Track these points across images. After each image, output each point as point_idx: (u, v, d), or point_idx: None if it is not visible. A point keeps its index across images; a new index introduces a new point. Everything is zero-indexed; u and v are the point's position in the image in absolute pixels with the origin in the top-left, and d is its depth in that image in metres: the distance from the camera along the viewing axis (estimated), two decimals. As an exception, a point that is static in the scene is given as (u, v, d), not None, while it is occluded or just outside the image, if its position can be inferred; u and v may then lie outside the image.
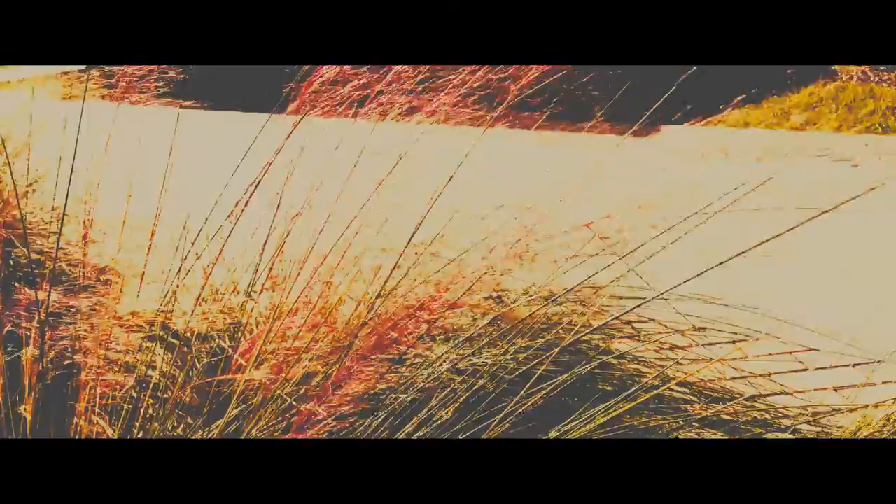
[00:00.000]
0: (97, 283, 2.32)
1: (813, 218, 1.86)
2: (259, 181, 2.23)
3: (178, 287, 2.34)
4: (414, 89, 2.25)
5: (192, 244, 2.35)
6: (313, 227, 2.17)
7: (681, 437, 2.13)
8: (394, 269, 2.13)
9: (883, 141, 6.32)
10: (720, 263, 1.93)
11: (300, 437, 1.81)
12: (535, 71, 2.14)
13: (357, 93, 2.17)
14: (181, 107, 2.49)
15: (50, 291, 2.03)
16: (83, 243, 2.36)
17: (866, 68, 7.57)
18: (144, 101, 2.55)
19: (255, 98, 4.81)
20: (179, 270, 2.32)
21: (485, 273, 2.19)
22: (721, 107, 3.65)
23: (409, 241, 2.09)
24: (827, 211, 1.89)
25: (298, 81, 2.25)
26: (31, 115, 2.77)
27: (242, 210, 2.22)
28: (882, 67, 7.49)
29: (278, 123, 2.31)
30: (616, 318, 2.35)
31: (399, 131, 2.26)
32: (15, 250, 2.66)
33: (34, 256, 2.77)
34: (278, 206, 2.22)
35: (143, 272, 2.31)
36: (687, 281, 2.01)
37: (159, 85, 2.46)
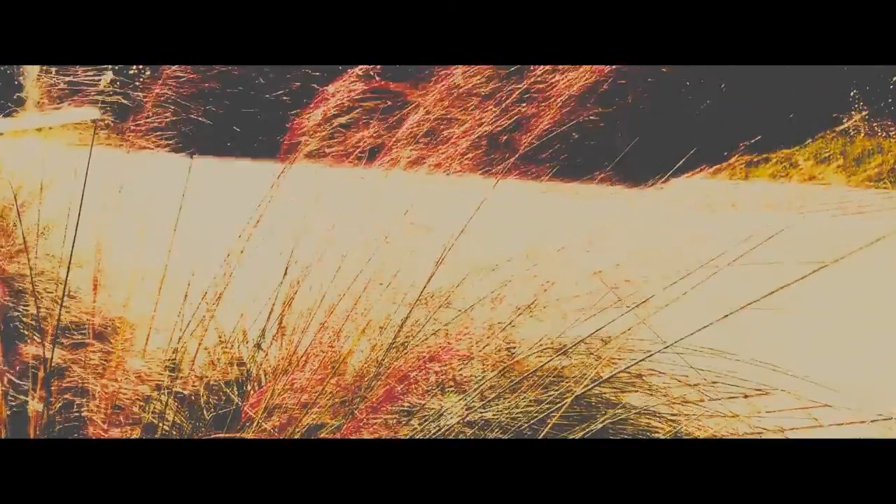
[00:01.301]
0: (105, 333, 2.31)
1: (816, 271, 1.85)
2: (259, 220, 2.23)
3: (186, 336, 2.34)
4: (421, 139, 2.27)
5: (203, 296, 2.35)
6: (323, 278, 2.17)
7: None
8: (405, 320, 2.12)
9: (892, 194, 6.33)
10: (724, 316, 1.92)
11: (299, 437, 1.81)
12: (546, 122, 2.15)
13: (368, 141, 2.19)
14: (192, 156, 2.51)
15: (54, 346, 2.02)
16: (93, 292, 2.36)
17: (874, 123, 7.61)
18: (154, 147, 2.58)
19: (263, 146, 4.85)
20: (187, 320, 2.32)
21: (495, 324, 2.18)
22: (726, 153, 3.65)
23: (421, 293, 2.08)
24: (826, 265, 1.88)
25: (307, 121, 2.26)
26: (43, 163, 2.80)
27: (244, 247, 2.22)
28: (889, 122, 7.53)
29: (288, 171, 2.32)
30: (625, 369, 2.33)
31: (408, 181, 2.27)
32: (20, 303, 2.66)
33: (42, 304, 2.76)
34: (290, 256, 2.22)
35: (152, 321, 2.31)
36: (694, 332, 2.00)
37: (171, 133, 2.48)
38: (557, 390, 2.22)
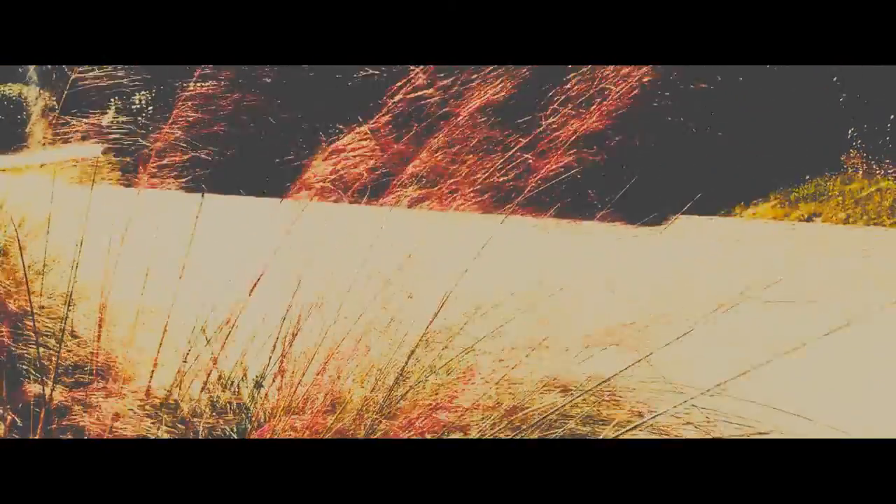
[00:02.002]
0: (106, 369, 2.30)
1: (840, 328, 1.85)
2: (263, 271, 2.23)
3: (186, 373, 2.33)
4: (426, 177, 2.27)
5: (203, 331, 2.34)
6: (325, 317, 2.17)
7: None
8: (408, 359, 2.12)
9: (892, 234, 6.34)
10: (744, 372, 1.91)
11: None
12: (552, 164, 2.16)
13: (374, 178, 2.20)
14: (203, 194, 2.52)
15: (54, 386, 2.01)
16: (97, 329, 2.35)
17: (872, 162, 7.65)
18: (161, 185, 2.59)
19: (267, 184, 4.87)
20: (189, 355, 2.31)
21: (498, 362, 2.17)
22: (734, 206, 3.67)
23: (424, 333, 2.08)
24: (846, 325, 1.88)
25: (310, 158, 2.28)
26: (50, 198, 2.80)
27: (251, 292, 2.22)
28: (887, 160, 7.57)
29: (291, 209, 2.33)
30: (646, 422, 2.31)
31: (411, 220, 2.28)
32: (21, 342, 2.65)
33: (43, 341, 2.75)
34: (293, 296, 2.22)
35: (157, 358, 2.30)
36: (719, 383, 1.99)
37: (179, 172, 2.50)
38: (559, 431, 2.21)
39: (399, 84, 2.34)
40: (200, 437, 2.12)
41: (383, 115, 2.29)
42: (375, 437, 1.96)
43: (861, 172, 7.72)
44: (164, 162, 2.50)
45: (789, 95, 8.13)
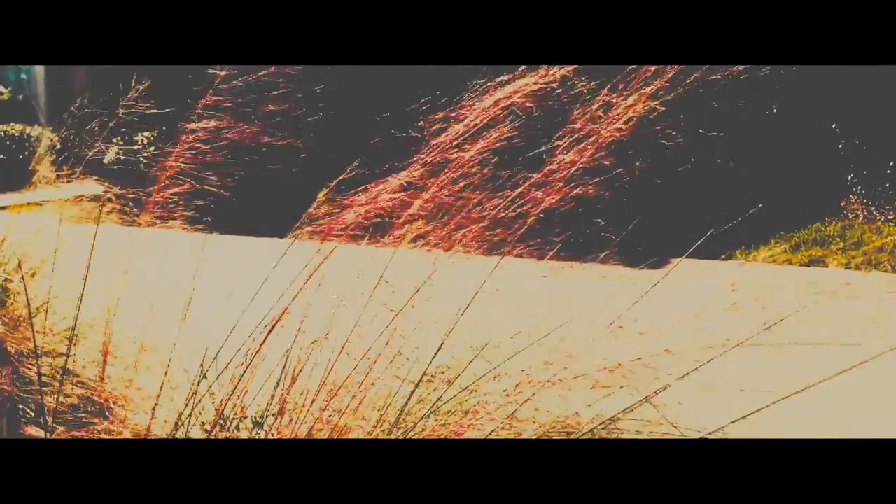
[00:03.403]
0: (107, 409, 2.29)
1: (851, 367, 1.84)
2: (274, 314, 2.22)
3: (185, 414, 2.31)
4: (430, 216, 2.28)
5: (203, 371, 2.32)
6: (326, 355, 2.16)
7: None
8: (409, 397, 2.10)
9: (893, 278, 6.34)
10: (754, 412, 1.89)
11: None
12: (553, 195, 2.16)
13: (375, 219, 2.20)
14: (211, 231, 2.52)
15: (54, 428, 2.00)
16: (101, 366, 2.34)
17: (872, 207, 7.68)
18: (164, 224, 2.59)
19: (269, 224, 4.89)
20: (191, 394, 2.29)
21: (501, 406, 2.15)
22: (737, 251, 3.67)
23: (425, 371, 2.06)
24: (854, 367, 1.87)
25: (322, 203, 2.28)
26: (54, 236, 2.81)
27: (259, 348, 2.21)
28: (888, 206, 7.60)
29: (293, 247, 2.33)
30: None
31: (412, 259, 2.28)
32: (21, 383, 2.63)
33: (45, 381, 2.74)
34: (295, 339, 2.21)
35: (158, 398, 2.28)
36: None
37: (185, 213, 2.50)
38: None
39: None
40: (198, 439, 2.10)
41: (417, 168, 2.28)
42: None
43: (861, 218, 7.75)
44: (167, 197, 2.51)
45: (790, 141, 8.19)
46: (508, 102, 2.24)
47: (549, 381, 2.09)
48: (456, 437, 1.93)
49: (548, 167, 2.22)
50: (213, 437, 2.03)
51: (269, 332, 2.11)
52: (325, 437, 2.00)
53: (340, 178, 2.43)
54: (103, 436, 1.98)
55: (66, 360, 2.29)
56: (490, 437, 1.93)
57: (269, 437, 2.26)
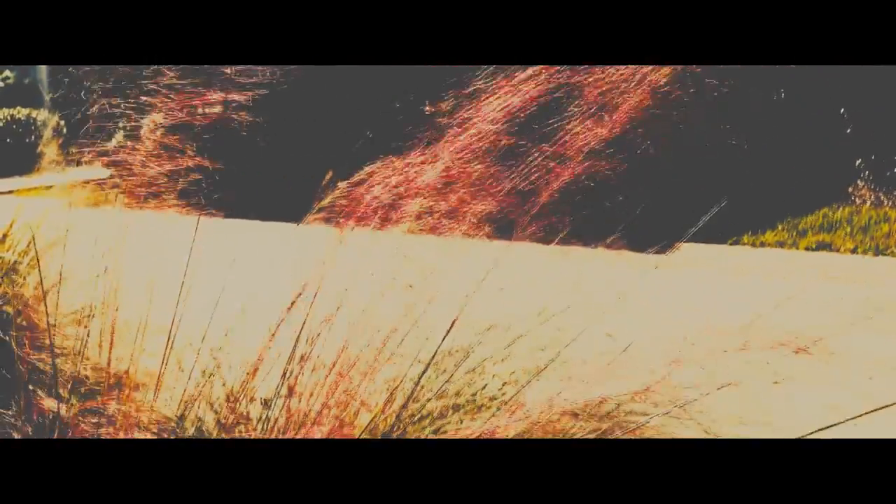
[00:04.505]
0: (114, 388, 2.30)
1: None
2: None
3: (193, 392, 2.32)
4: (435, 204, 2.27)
5: (211, 352, 2.34)
6: (335, 336, 2.16)
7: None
8: (420, 378, 2.11)
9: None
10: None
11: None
12: (566, 175, 2.16)
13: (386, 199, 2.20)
14: (219, 216, 2.52)
15: (60, 401, 2.01)
16: (109, 346, 2.35)
17: (880, 193, 7.66)
18: (164, 207, 2.59)
19: (279, 207, 4.90)
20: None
21: (505, 384, 2.17)
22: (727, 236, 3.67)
23: (434, 354, 2.07)
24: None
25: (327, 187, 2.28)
26: (63, 219, 2.82)
27: (273, 335, 2.21)
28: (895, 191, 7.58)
29: (303, 231, 2.33)
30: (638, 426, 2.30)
31: (419, 242, 2.28)
32: (35, 355, 2.65)
33: (56, 360, 2.76)
34: (304, 323, 2.21)
35: (160, 378, 2.30)
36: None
37: (188, 194, 2.50)
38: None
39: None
40: (198, 439, 2.11)
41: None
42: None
43: (869, 203, 7.72)
44: (171, 180, 2.51)
45: (798, 126, 8.16)
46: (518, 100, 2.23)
47: (550, 362, 2.10)
48: (465, 438, 1.94)
49: (564, 139, 2.20)
50: (213, 438, 2.04)
51: (292, 304, 2.11)
52: (334, 416, 2.01)
53: (357, 146, 2.41)
54: (114, 411, 1.99)
55: (86, 335, 2.31)
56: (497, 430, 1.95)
57: (279, 416, 2.27)
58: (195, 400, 2.32)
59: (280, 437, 2.09)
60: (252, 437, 2.10)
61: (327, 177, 2.46)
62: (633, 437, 2.15)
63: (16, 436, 2.01)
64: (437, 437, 1.96)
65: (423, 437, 1.92)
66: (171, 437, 2.17)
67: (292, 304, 2.16)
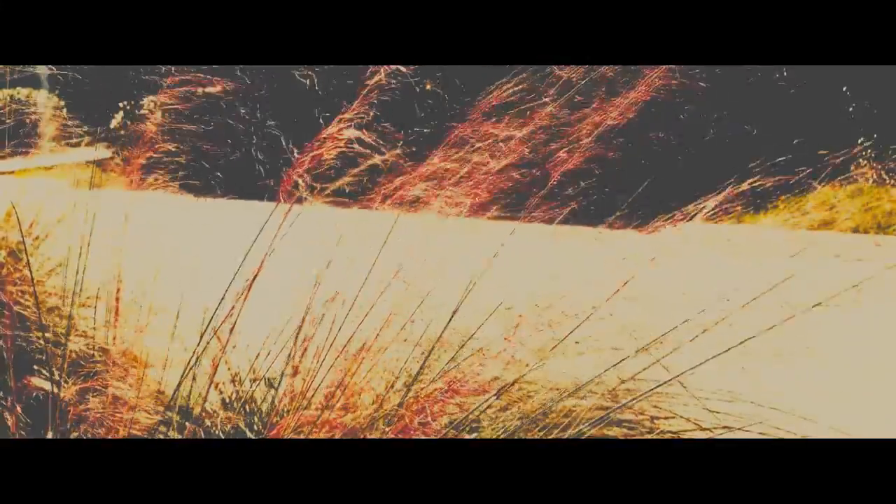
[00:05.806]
0: (115, 367, 2.31)
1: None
2: (266, 257, 2.23)
3: (197, 373, 2.33)
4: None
5: (215, 333, 2.34)
6: (339, 318, 2.17)
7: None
8: (425, 360, 2.12)
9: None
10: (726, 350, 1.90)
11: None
12: (571, 160, 2.16)
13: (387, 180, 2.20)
14: (203, 196, 2.52)
15: (61, 378, 2.02)
16: (113, 326, 2.36)
17: (881, 170, 7.64)
18: (162, 186, 2.59)
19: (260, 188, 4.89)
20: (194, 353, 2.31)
21: (508, 363, 2.17)
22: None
23: (441, 334, 2.08)
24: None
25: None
26: (64, 199, 2.82)
27: (246, 293, 2.21)
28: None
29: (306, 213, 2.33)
30: (635, 400, 2.31)
31: (422, 222, 2.28)
32: (31, 334, 2.66)
33: (53, 339, 2.77)
34: (309, 301, 2.21)
35: (166, 360, 2.30)
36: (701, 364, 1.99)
37: (184, 175, 2.50)
38: (567, 433, 2.21)
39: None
40: (213, 437, 2.12)
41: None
42: (388, 429, 1.97)
43: (871, 181, 7.71)
44: (170, 162, 2.51)
45: (799, 104, 8.13)
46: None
47: (556, 346, 2.11)
48: (466, 438, 1.95)
49: (566, 123, 2.20)
50: (213, 438, 2.04)
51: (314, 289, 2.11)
52: (338, 400, 2.02)
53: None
54: (112, 388, 2.00)
55: (73, 306, 2.31)
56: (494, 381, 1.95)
57: (283, 396, 2.28)
58: (204, 380, 2.33)
59: (284, 416, 2.10)
60: (252, 437, 2.11)
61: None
62: (633, 438, 2.16)
63: (8, 417, 2.02)
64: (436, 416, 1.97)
65: (425, 417, 1.92)
66: (173, 423, 2.18)
67: (252, 280, 2.15)
